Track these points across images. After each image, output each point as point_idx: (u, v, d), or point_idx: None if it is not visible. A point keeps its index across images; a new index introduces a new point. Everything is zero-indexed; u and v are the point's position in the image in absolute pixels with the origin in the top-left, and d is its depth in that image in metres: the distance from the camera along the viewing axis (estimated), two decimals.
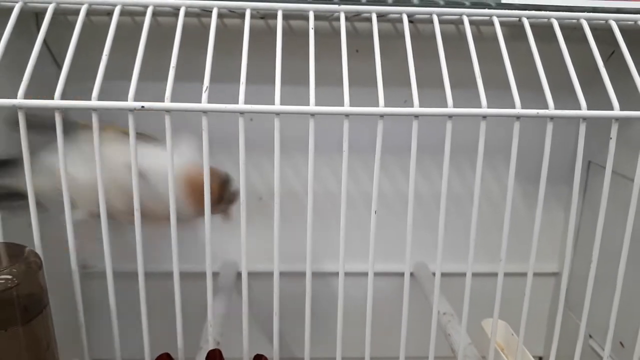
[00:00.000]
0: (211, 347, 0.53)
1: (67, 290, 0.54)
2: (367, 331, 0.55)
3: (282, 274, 0.77)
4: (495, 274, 0.72)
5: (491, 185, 0.90)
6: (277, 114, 0.48)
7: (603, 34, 0.56)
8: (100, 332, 0.57)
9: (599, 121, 0.53)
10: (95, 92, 0.48)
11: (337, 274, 0.54)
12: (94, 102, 0.47)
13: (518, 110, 0.49)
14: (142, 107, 0.47)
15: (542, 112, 0.49)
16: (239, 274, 0.91)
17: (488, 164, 0.91)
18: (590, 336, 0.83)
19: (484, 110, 0.49)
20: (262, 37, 0.58)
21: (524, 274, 0.79)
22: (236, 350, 0.57)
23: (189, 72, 0.53)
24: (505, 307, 0.61)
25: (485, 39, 0.76)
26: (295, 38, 0.59)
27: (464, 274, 0.58)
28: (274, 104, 0.48)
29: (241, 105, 0.48)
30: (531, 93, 0.52)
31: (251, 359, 0.55)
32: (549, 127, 0.50)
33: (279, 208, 0.52)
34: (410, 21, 0.70)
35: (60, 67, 0.78)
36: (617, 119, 0.50)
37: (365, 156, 0.80)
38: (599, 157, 0.84)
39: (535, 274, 0.87)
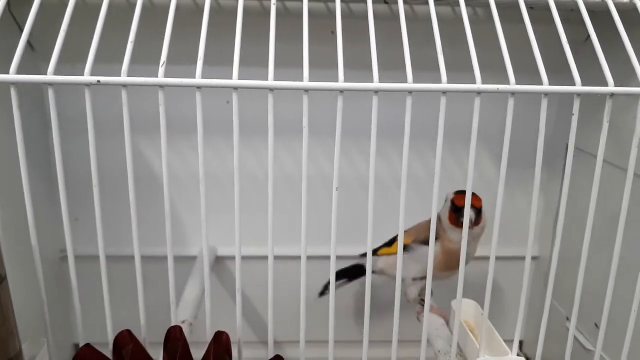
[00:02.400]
0: (173, 324, 0.53)
1: (48, 274, 0.54)
2: (330, 315, 0.55)
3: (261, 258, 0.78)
4: (477, 258, 0.72)
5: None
6: (235, 88, 0.48)
7: (581, 15, 0.55)
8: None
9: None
10: (51, 67, 0.47)
11: (320, 257, 0.54)
12: (49, 77, 0.47)
13: (478, 86, 0.48)
14: (98, 81, 0.47)
15: (502, 87, 0.49)
16: (218, 258, 0.92)
17: (467, 148, 0.91)
18: (568, 319, 0.83)
19: (444, 86, 0.48)
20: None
21: (504, 258, 0.79)
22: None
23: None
24: (482, 290, 0.61)
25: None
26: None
27: None
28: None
29: (198, 80, 0.47)
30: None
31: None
32: (510, 102, 0.49)
33: (239, 189, 0.52)
34: (385, 1, 0.70)
35: (33, 49, 0.78)
36: (579, 94, 0.49)
37: (351, 139, 0.80)
38: (577, 141, 0.84)
39: (516, 258, 0.88)
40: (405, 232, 0.72)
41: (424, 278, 0.68)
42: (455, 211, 0.67)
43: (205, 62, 0.49)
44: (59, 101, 0.59)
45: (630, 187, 0.52)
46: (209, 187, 0.86)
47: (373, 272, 0.74)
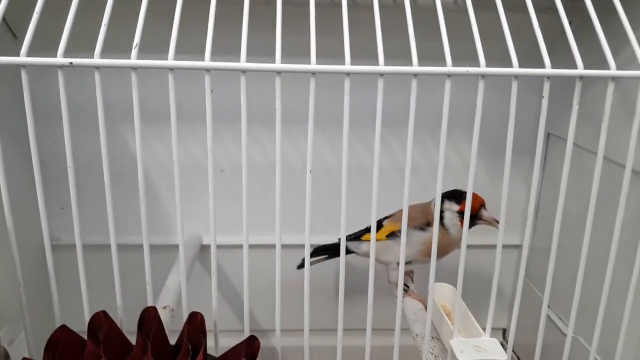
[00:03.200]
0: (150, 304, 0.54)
1: (32, 263, 0.54)
2: (305, 303, 0.56)
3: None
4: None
5: (453, 158, 0.91)
6: (208, 70, 0.48)
7: (566, 3, 0.55)
8: (65, 302, 0.57)
9: (556, 91, 0.53)
10: (24, 48, 0.48)
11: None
12: (22, 59, 0.47)
13: (448, 68, 0.49)
14: (70, 63, 0.47)
15: (472, 69, 0.49)
16: (203, 246, 0.92)
17: (448, 136, 0.91)
18: (549, 306, 0.83)
19: (414, 68, 0.49)
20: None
21: (486, 246, 0.80)
22: None
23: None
24: (467, 278, 0.61)
25: (451, 10, 0.76)
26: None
27: None
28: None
29: (170, 62, 0.48)
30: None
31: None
32: (480, 85, 0.50)
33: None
34: None
35: (16, 38, 0.78)
36: (549, 77, 0.50)
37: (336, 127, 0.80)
38: (557, 129, 0.84)
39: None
40: (392, 217, 0.72)
41: (410, 262, 0.69)
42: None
43: (189, 51, 0.49)
44: (48, 88, 0.59)
45: (599, 168, 0.52)
46: (194, 175, 0.87)
47: (358, 255, 0.75)
